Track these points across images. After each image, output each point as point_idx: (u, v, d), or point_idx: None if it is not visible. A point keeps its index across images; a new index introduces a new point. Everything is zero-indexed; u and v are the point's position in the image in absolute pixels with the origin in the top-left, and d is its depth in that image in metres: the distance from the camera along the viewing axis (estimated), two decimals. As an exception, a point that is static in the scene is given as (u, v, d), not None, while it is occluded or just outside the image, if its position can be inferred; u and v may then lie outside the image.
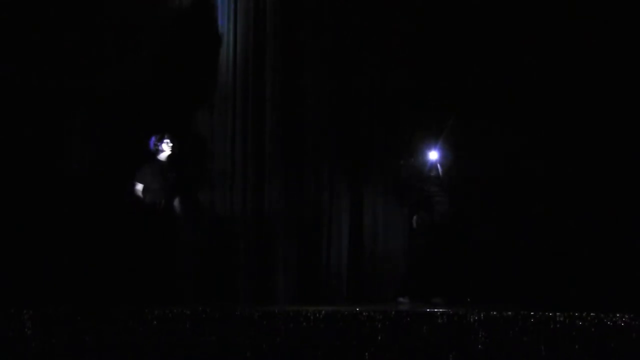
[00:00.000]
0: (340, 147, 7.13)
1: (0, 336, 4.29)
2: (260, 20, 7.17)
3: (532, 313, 4.34)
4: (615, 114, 6.49)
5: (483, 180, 6.79)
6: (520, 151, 6.71)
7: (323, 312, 4.49)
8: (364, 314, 4.46)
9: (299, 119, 7.13)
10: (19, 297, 5.77)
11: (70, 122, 6.82)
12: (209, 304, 5.74)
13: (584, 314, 4.28)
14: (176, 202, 6.45)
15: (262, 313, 4.49)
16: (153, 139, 6.44)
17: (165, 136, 6.41)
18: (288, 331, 4.40)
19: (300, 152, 7.10)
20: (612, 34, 6.50)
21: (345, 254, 7.06)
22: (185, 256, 6.76)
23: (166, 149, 6.42)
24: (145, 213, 6.27)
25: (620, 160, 6.43)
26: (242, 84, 7.13)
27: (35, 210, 6.48)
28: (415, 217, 6.67)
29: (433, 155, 6.66)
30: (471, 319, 4.36)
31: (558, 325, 4.25)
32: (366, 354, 4.23)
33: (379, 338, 4.33)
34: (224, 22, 7.16)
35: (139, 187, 6.33)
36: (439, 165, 6.68)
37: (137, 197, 6.32)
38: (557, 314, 4.30)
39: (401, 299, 6.53)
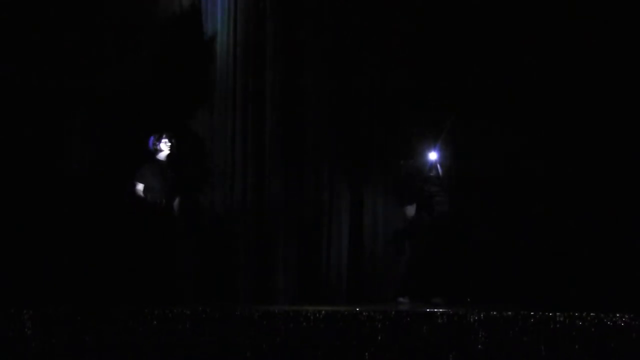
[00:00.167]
0: (340, 147, 7.13)
1: (0, 336, 4.29)
2: (260, 20, 7.17)
3: (532, 313, 4.35)
4: (615, 114, 6.49)
5: (483, 180, 6.79)
6: (520, 151, 6.71)
7: (323, 312, 4.50)
8: (364, 314, 4.47)
9: (299, 118, 7.13)
10: (19, 297, 5.77)
11: (70, 122, 6.82)
12: (209, 304, 5.75)
13: (584, 314, 4.29)
14: (176, 202, 6.45)
15: (262, 313, 4.49)
16: (152, 138, 6.43)
17: (164, 136, 6.41)
18: (288, 331, 4.40)
19: (300, 152, 7.10)
20: (612, 33, 6.50)
21: (345, 254, 7.06)
22: (185, 256, 6.76)
23: (165, 149, 6.42)
24: (145, 213, 6.27)
25: (620, 160, 6.43)
26: (242, 84, 7.13)
27: (35, 210, 6.49)
28: (416, 211, 6.66)
29: (433, 155, 6.66)
30: (471, 319, 4.36)
31: (558, 325, 4.25)
32: (366, 354, 4.23)
33: (379, 338, 4.33)
34: (224, 22, 7.16)
35: (139, 187, 6.33)
36: (438, 166, 6.69)
37: (137, 197, 6.31)
38: (557, 314, 4.31)
39: (401, 299, 6.53)
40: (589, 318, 4.26)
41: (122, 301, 5.85)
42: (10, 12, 6.64)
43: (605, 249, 6.34)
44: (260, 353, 4.28)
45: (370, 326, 4.41)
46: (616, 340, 4.12)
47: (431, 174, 6.65)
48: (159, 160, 6.44)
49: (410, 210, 6.80)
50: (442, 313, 4.45)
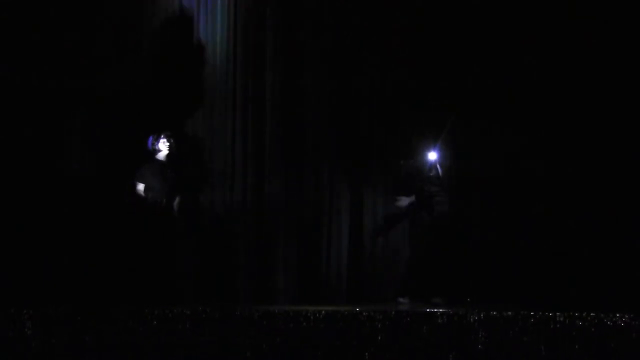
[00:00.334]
0: (340, 147, 7.13)
1: (0, 336, 4.29)
2: (260, 20, 7.17)
3: (532, 313, 4.35)
4: (615, 114, 6.49)
5: (483, 180, 6.79)
6: (520, 151, 6.71)
7: (323, 312, 4.50)
8: (364, 314, 4.47)
9: (298, 119, 7.13)
10: (19, 297, 5.77)
11: (70, 122, 6.82)
12: (209, 304, 5.75)
13: (584, 314, 4.29)
14: (176, 202, 6.45)
15: (262, 313, 4.49)
16: (150, 138, 6.43)
17: (162, 135, 6.40)
18: (288, 331, 4.40)
19: (300, 152, 7.10)
20: (612, 33, 6.50)
21: (345, 254, 7.06)
22: (185, 256, 6.76)
23: (163, 149, 6.42)
24: (145, 213, 6.27)
25: (620, 160, 6.43)
26: (242, 84, 7.13)
27: (35, 210, 6.49)
28: (416, 211, 6.66)
29: (433, 155, 6.66)
30: (471, 319, 4.36)
31: (558, 325, 4.25)
32: (366, 354, 4.23)
33: (379, 338, 4.33)
34: (224, 22, 7.16)
35: (139, 187, 6.32)
36: (438, 166, 6.68)
37: (137, 197, 6.31)
38: (557, 314, 4.31)
39: (401, 299, 6.53)
40: (589, 318, 4.26)
41: (122, 301, 5.85)
42: (10, 12, 6.64)
43: (605, 249, 6.34)
44: (260, 353, 4.28)
45: (370, 326, 4.41)
46: (616, 340, 4.12)
47: (431, 174, 6.65)
48: (158, 160, 6.44)
49: (410, 210, 6.80)
50: (442, 313, 4.45)
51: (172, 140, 6.44)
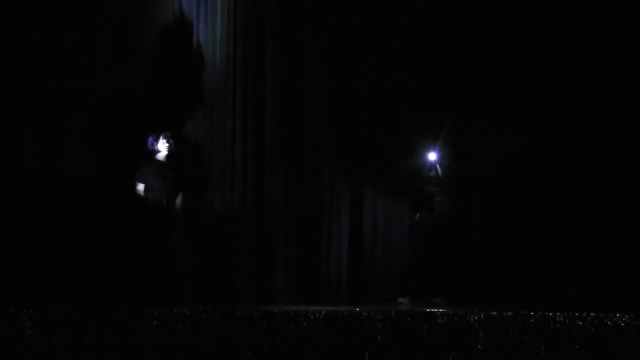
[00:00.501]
0: (340, 147, 7.12)
1: (0, 336, 4.29)
2: (260, 20, 7.17)
3: (532, 313, 4.35)
4: (615, 114, 6.49)
5: (483, 180, 6.79)
6: (520, 151, 6.71)
7: (323, 312, 4.50)
8: (364, 314, 4.47)
9: (299, 119, 7.13)
10: (19, 297, 5.77)
11: (70, 122, 6.82)
12: (209, 304, 5.74)
13: (584, 314, 4.29)
14: (176, 202, 6.45)
15: (262, 313, 4.49)
16: (150, 138, 6.43)
17: (162, 136, 6.40)
18: (288, 331, 4.40)
19: (300, 152, 7.10)
20: (612, 33, 6.50)
21: (345, 254, 7.05)
22: (185, 256, 6.76)
23: (163, 149, 6.41)
24: (145, 213, 6.26)
25: (620, 160, 6.43)
26: (242, 84, 7.13)
27: (35, 210, 6.49)
28: (417, 215, 6.67)
29: (433, 155, 6.65)
30: (471, 319, 4.36)
31: (558, 325, 4.25)
32: (366, 354, 4.23)
33: (379, 338, 4.33)
34: (224, 22, 7.16)
35: (139, 187, 6.32)
36: (438, 166, 6.68)
37: (137, 197, 6.31)
38: (557, 314, 4.31)
39: (401, 299, 6.53)
40: (589, 318, 4.26)
41: (122, 301, 5.85)
42: (10, 12, 6.64)
43: (605, 249, 6.34)
44: (260, 353, 4.27)
45: (370, 326, 4.41)
46: (616, 340, 4.12)
47: (431, 174, 6.65)
48: (158, 161, 6.43)
49: (410, 210, 6.80)
50: (442, 313, 4.45)
51: (171, 141, 6.44)
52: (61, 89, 6.77)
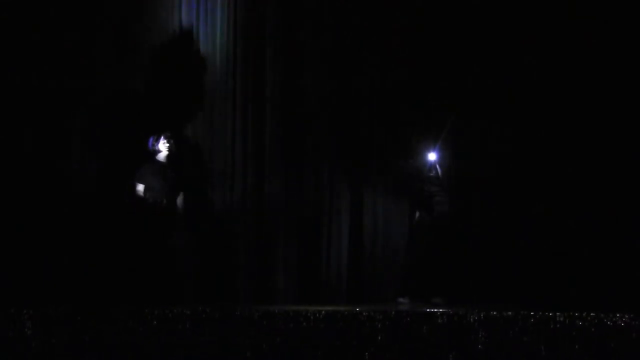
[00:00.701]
0: (340, 147, 7.13)
1: (0, 336, 4.29)
2: (260, 20, 7.17)
3: (532, 313, 4.35)
4: (615, 114, 6.49)
5: (483, 180, 6.79)
6: (520, 151, 6.71)
7: (323, 312, 4.50)
8: (364, 314, 4.47)
9: (299, 119, 7.13)
10: (19, 297, 5.77)
11: (70, 122, 6.82)
12: (209, 304, 5.74)
13: (584, 314, 4.29)
14: (176, 202, 6.45)
15: (262, 313, 4.49)
16: (151, 139, 6.43)
17: (163, 136, 6.40)
18: (288, 331, 4.40)
19: (300, 152, 7.10)
20: (612, 34, 6.50)
21: (345, 254, 7.05)
22: (185, 256, 6.76)
23: (163, 149, 6.41)
24: (145, 213, 6.26)
25: (620, 160, 6.43)
26: (242, 84, 7.13)
27: (35, 210, 6.49)
28: (416, 214, 6.67)
29: (433, 155, 6.65)
30: (471, 319, 4.36)
31: (558, 325, 4.25)
32: (366, 354, 4.23)
33: (379, 338, 4.32)
34: (224, 22, 7.16)
35: (139, 187, 6.32)
36: (438, 166, 6.67)
37: (137, 197, 6.31)
38: (557, 314, 4.31)
39: (401, 299, 6.53)
40: (589, 318, 4.26)
41: (122, 301, 5.85)
42: (10, 12, 6.64)
43: (605, 249, 6.34)
44: (260, 353, 4.27)
45: (370, 326, 4.41)
46: (616, 340, 4.12)
47: (431, 174, 6.64)
48: (158, 161, 6.43)
49: (410, 210, 6.80)
50: (442, 313, 4.45)
51: (172, 141, 6.44)
52: (61, 89, 6.77)
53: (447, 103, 6.88)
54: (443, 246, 6.58)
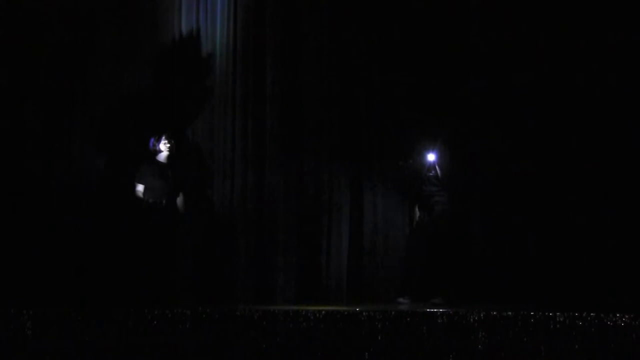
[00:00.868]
0: (340, 147, 7.12)
1: (0, 336, 4.28)
2: (260, 20, 7.17)
3: (532, 313, 4.34)
4: (616, 114, 6.49)
5: (483, 180, 6.79)
6: (521, 151, 6.71)
7: (323, 312, 4.49)
8: (364, 314, 4.46)
9: (299, 118, 7.12)
10: (19, 297, 5.77)
11: (70, 123, 6.82)
12: (209, 304, 5.74)
13: (584, 314, 4.28)
14: (176, 202, 6.44)
15: (262, 313, 4.49)
16: (152, 139, 6.43)
17: (163, 137, 6.40)
18: (288, 331, 4.40)
19: (300, 153, 7.09)
20: (612, 34, 6.50)
21: (345, 254, 7.05)
22: (185, 256, 6.76)
23: (164, 149, 6.41)
24: (145, 213, 6.26)
25: (620, 160, 6.43)
26: (242, 83, 7.13)
27: (35, 211, 6.49)
28: (416, 214, 6.67)
29: (433, 155, 6.64)
30: (471, 319, 4.35)
31: (558, 325, 4.25)
32: (366, 354, 4.23)
33: (379, 338, 4.32)
34: (224, 22, 7.16)
35: (139, 187, 6.32)
36: (437, 166, 6.66)
37: (137, 197, 6.31)
38: (557, 314, 4.30)
39: (401, 299, 6.53)
40: (589, 318, 4.25)
41: (122, 301, 5.85)
42: (10, 12, 6.64)
43: (605, 249, 6.33)
44: (260, 353, 4.27)
45: (370, 326, 4.41)
46: (616, 340, 4.12)
47: (430, 174, 6.64)
48: (159, 161, 6.43)
49: (410, 210, 6.80)
50: (442, 313, 4.44)
51: (172, 142, 6.44)
52: (61, 89, 6.77)
53: (447, 103, 6.88)
54: (443, 246, 6.57)
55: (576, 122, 6.60)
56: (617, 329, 4.18)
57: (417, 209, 6.72)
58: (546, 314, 4.32)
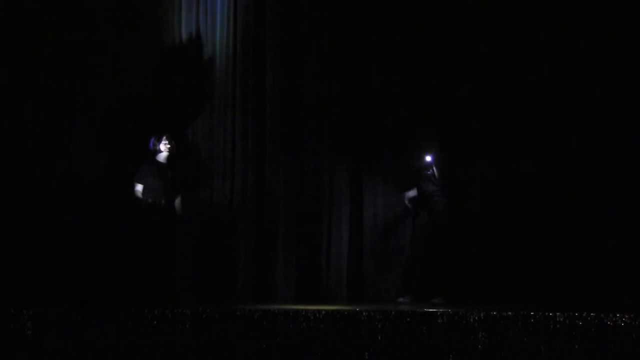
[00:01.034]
0: (340, 147, 7.12)
1: (0, 336, 4.29)
2: (260, 20, 7.17)
3: (532, 313, 4.34)
4: (616, 114, 6.49)
5: (482, 180, 6.78)
6: (520, 151, 6.71)
7: (323, 312, 4.49)
8: (364, 314, 4.46)
9: (299, 118, 7.12)
10: (19, 297, 5.78)
11: (70, 123, 6.83)
12: (209, 304, 5.74)
13: (584, 314, 4.28)
14: (176, 203, 6.44)
15: (262, 313, 4.49)
16: (152, 139, 6.43)
17: (164, 137, 6.40)
18: (288, 331, 4.40)
19: (300, 152, 7.09)
20: (611, 35, 6.51)
21: (345, 254, 7.05)
22: (185, 256, 6.76)
23: (164, 150, 6.41)
24: (145, 213, 6.26)
25: (620, 160, 6.43)
26: (242, 83, 7.13)
27: (35, 211, 6.49)
28: (417, 215, 6.66)
29: (432, 155, 6.63)
30: (471, 319, 4.35)
31: (558, 325, 4.25)
32: (366, 354, 4.23)
33: (379, 338, 4.32)
34: (224, 22, 7.16)
35: (138, 187, 6.32)
36: (436, 166, 6.65)
37: (136, 197, 6.31)
38: (557, 314, 4.30)
39: (401, 299, 6.52)
40: (589, 318, 4.25)
41: (122, 301, 5.85)
42: (10, 12, 6.65)
43: (605, 249, 6.33)
44: (260, 353, 4.28)
45: (370, 326, 4.41)
46: (616, 340, 4.12)
47: (428, 173, 6.63)
48: (159, 161, 6.43)
49: (410, 210, 6.79)
50: (442, 313, 4.44)
51: (173, 142, 6.44)
52: (61, 90, 6.78)
53: (447, 103, 6.87)
54: (443, 246, 6.56)
55: (576, 122, 6.59)
56: (617, 329, 4.18)
57: (416, 209, 6.71)
58: (546, 314, 4.32)
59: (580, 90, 6.60)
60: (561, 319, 4.27)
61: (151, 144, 6.43)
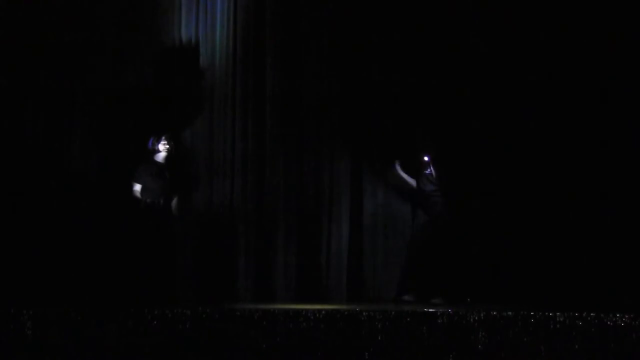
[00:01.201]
0: (340, 147, 7.12)
1: (0, 336, 4.29)
2: (260, 20, 7.17)
3: (532, 313, 4.34)
4: (616, 113, 6.49)
5: (482, 179, 6.78)
6: (520, 150, 6.71)
7: (323, 312, 4.49)
8: (364, 314, 4.46)
9: (299, 118, 7.12)
10: (19, 297, 5.78)
11: (70, 123, 6.83)
12: (209, 304, 5.74)
13: (584, 314, 4.28)
14: (175, 202, 6.44)
15: (262, 313, 4.49)
16: (151, 139, 6.43)
17: (163, 137, 6.39)
18: (288, 331, 4.40)
19: (300, 152, 7.09)
20: (612, 34, 6.51)
21: (345, 254, 7.05)
22: (185, 256, 6.76)
23: (163, 150, 6.40)
24: (145, 213, 6.26)
25: (620, 160, 6.43)
26: (242, 83, 7.13)
27: (35, 211, 6.49)
28: (415, 214, 6.66)
29: (432, 155, 6.64)
30: (471, 319, 4.36)
31: (558, 325, 4.25)
32: (366, 354, 4.23)
33: (379, 338, 4.33)
34: (224, 22, 7.16)
35: (136, 187, 6.31)
36: (432, 165, 6.65)
37: (136, 197, 6.30)
38: (557, 314, 4.30)
39: (406, 297, 6.52)
40: (589, 318, 4.26)
41: (122, 301, 5.85)
42: (11, 12, 6.65)
43: (605, 249, 6.33)
44: (260, 353, 4.28)
45: (370, 326, 4.41)
46: (616, 340, 4.12)
47: (427, 172, 6.63)
48: (158, 161, 6.43)
49: (410, 210, 6.79)
50: (442, 313, 4.45)
51: (171, 142, 6.43)
52: (60, 89, 6.78)
53: (446, 102, 6.87)
54: (443, 246, 6.56)
55: (576, 122, 6.59)
56: (617, 329, 4.19)
57: (416, 209, 6.71)
58: (546, 314, 4.32)
59: (580, 90, 6.60)
60: (561, 319, 4.27)
61: (150, 143, 6.42)
